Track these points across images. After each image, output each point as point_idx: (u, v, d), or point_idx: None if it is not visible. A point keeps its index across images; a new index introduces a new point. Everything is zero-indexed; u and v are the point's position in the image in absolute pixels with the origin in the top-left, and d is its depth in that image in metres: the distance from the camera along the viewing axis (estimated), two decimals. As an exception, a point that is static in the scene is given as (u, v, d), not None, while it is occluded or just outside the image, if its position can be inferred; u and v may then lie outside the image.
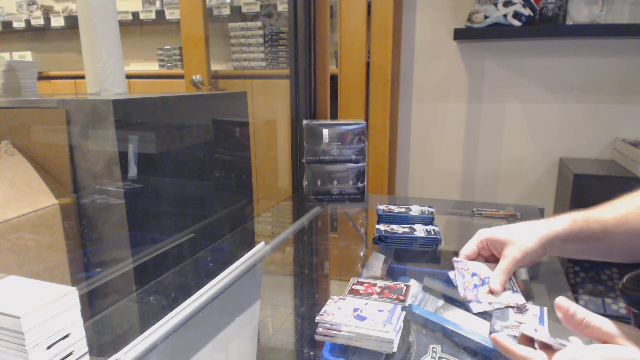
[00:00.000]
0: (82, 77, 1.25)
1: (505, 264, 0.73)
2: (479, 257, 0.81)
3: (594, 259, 0.73)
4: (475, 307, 0.71)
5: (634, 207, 0.67)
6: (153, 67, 2.88)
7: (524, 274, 0.85)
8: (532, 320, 0.65)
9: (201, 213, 1.21)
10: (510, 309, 0.69)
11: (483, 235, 0.79)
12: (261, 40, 2.49)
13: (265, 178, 2.37)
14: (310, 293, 1.05)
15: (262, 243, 0.89)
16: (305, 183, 1.31)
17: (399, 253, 1.03)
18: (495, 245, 0.77)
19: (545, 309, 0.68)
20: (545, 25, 1.76)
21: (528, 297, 0.76)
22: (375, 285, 0.78)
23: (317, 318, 0.61)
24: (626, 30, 1.68)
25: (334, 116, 1.97)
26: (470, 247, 0.80)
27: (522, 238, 0.72)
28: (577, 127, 1.89)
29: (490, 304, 0.71)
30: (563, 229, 0.70)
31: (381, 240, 1.03)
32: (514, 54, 1.91)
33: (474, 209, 1.29)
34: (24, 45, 3.18)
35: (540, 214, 1.27)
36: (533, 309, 0.68)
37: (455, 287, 0.76)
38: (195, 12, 2.25)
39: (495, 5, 1.77)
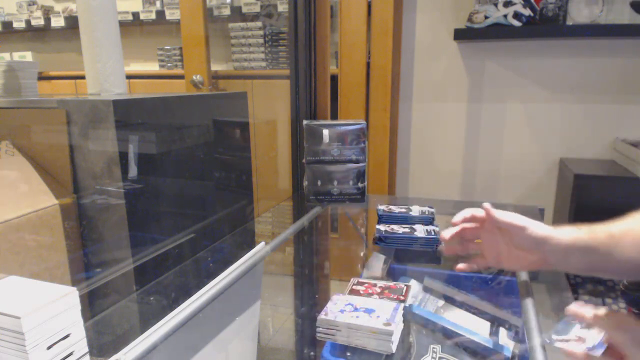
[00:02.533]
0: (82, 77, 1.25)
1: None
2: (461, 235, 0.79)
3: (599, 275, 0.70)
4: None
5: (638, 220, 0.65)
6: (153, 67, 2.88)
7: (523, 276, 0.85)
8: (594, 336, 0.60)
9: (201, 213, 1.21)
10: (578, 323, 0.65)
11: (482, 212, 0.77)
12: (261, 40, 2.49)
13: (265, 178, 2.37)
14: (310, 293, 1.05)
15: (262, 243, 0.89)
16: (305, 183, 1.31)
17: (399, 253, 1.03)
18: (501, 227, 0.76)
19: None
20: (545, 25, 1.76)
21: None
22: (375, 285, 0.78)
23: (317, 317, 0.61)
24: (626, 30, 1.68)
25: (334, 116, 1.97)
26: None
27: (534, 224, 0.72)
28: (577, 127, 1.89)
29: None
30: (566, 235, 0.68)
31: (381, 240, 1.03)
32: (514, 54, 1.91)
33: (474, 209, 1.28)
34: (24, 45, 3.18)
35: (540, 214, 1.27)
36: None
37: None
38: (195, 12, 2.25)
39: (495, 5, 1.77)
